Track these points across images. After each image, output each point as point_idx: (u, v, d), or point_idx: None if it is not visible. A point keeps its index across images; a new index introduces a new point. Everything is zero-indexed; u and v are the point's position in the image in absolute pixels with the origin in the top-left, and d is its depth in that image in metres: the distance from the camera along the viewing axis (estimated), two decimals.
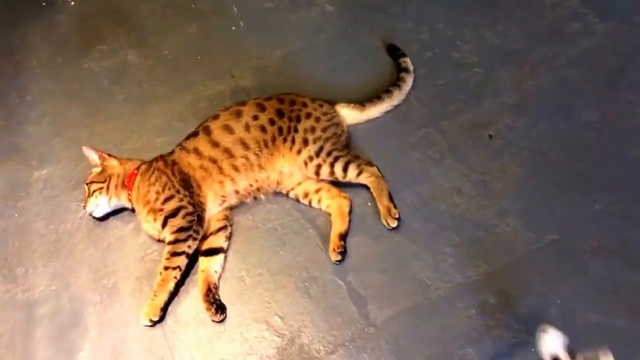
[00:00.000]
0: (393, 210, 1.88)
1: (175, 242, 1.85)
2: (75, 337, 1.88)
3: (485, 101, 2.11)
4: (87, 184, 2.04)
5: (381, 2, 2.44)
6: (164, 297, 1.83)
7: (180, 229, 1.86)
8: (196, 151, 1.97)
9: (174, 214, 1.87)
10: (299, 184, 1.98)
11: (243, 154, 1.94)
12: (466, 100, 2.12)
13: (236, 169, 1.94)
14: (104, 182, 2.01)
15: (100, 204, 2.02)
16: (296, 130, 1.96)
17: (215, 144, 1.96)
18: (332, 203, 1.93)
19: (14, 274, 2.04)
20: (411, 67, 2.15)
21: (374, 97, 2.08)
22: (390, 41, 2.29)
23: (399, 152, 2.04)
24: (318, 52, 2.35)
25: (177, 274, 1.85)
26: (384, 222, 1.88)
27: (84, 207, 2.03)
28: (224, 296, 1.87)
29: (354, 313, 1.77)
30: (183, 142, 2.02)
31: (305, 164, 1.93)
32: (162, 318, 1.85)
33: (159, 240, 1.97)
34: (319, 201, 1.95)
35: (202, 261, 1.91)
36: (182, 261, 1.85)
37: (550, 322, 1.62)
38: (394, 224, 1.87)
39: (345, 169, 1.91)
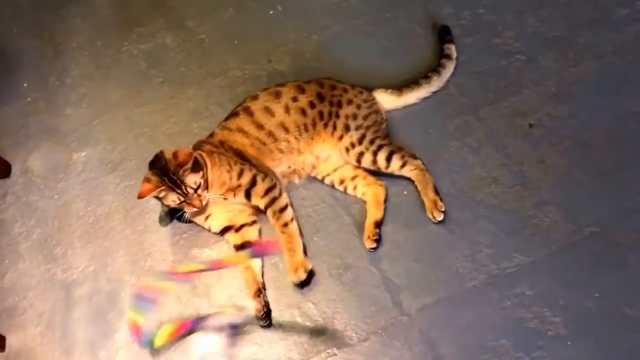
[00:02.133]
0: (439, 204, 1.85)
1: (272, 202, 1.86)
2: (112, 318, 1.93)
3: (526, 89, 2.05)
4: (198, 187, 1.85)
5: None
6: (300, 249, 1.84)
7: (268, 190, 1.86)
8: (241, 130, 1.95)
9: (252, 184, 1.86)
10: (335, 170, 1.96)
11: (285, 137, 1.94)
12: (506, 87, 2.06)
13: (281, 151, 1.94)
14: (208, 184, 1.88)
15: (213, 196, 1.90)
16: (337, 116, 1.95)
17: (260, 126, 1.95)
18: (367, 190, 1.92)
19: (53, 254, 2.09)
20: (454, 55, 2.09)
21: (411, 82, 2.05)
22: (429, 25, 2.24)
23: (437, 140, 2.00)
24: (355, 37, 2.31)
25: (296, 225, 1.87)
26: (430, 216, 1.85)
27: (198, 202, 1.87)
28: None
29: (387, 301, 1.77)
30: (223, 122, 2.02)
31: (347, 150, 1.92)
32: (310, 274, 1.84)
33: (223, 232, 1.95)
34: (355, 188, 1.94)
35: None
36: (290, 213, 1.87)
37: (588, 315, 1.64)
38: (440, 217, 1.84)
39: (388, 159, 1.89)
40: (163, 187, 1.76)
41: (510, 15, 2.21)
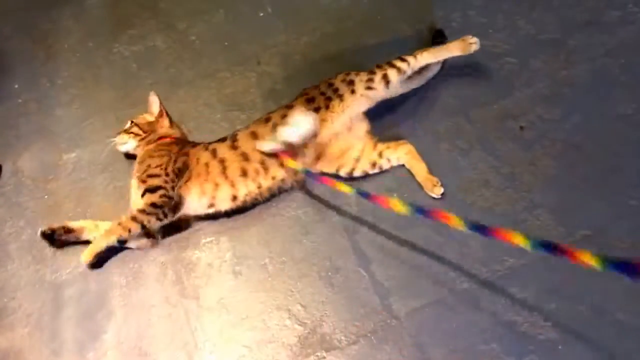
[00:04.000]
0: (434, 179, 1.90)
1: (142, 210, 1.88)
2: (100, 319, 1.91)
3: (518, 91, 2.04)
4: (131, 122, 2.13)
5: None
6: (102, 244, 1.89)
7: (153, 204, 1.88)
8: (213, 151, 1.98)
9: (153, 190, 1.90)
10: (358, 160, 1.94)
11: (260, 159, 1.91)
12: (498, 90, 2.06)
13: (244, 173, 1.91)
14: (145, 132, 2.10)
15: (127, 146, 2.12)
16: (332, 85, 1.98)
17: (234, 147, 1.95)
18: (399, 153, 1.94)
19: (43, 255, 2.07)
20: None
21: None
22: (421, 27, 2.25)
23: (427, 142, 1.99)
24: (346, 39, 2.31)
25: (124, 233, 1.87)
26: (430, 193, 1.89)
27: (114, 138, 2.12)
28: (247, 282, 1.88)
29: (376, 304, 1.76)
30: (210, 142, 2.05)
31: (369, 87, 1.93)
32: (95, 265, 1.95)
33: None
34: (389, 160, 1.95)
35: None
36: (134, 227, 1.86)
37: (579, 319, 1.62)
38: (441, 190, 1.88)
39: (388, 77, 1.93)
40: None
41: (501, 18, 2.21)
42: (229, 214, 1.98)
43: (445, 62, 2.09)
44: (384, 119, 2.05)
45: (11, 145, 2.36)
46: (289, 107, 1.98)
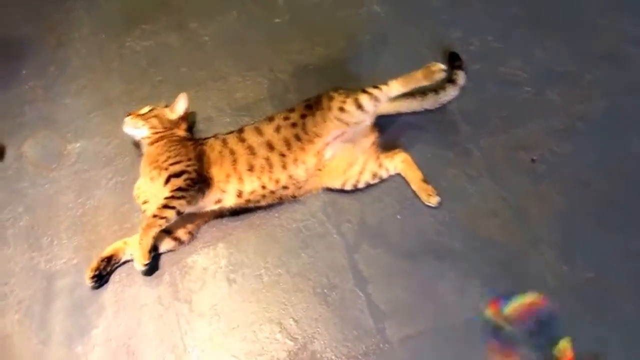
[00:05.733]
0: (430, 188, 1.91)
1: (170, 197, 1.84)
2: (91, 313, 1.90)
3: (531, 122, 2.01)
4: (151, 110, 2.10)
5: (431, 7, 2.35)
6: (148, 241, 1.84)
7: (179, 189, 1.85)
8: (223, 140, 1.99)
9: (177, 174, 1.88)
10: (361, 172, 1.94)
11: (265, 155, 1.91)
12: (511, 118, 2.03)
13: (251, 168, 1.91)
14: (162, 129, 2.07)
15: (138, 132, 2.07)
16: (321, 102, 1.95)
17: (241, 140, 1.95)
18: (396, 162, 1.95)
19: (39, 243, 2.06)
20: (461, 82, 2.06)
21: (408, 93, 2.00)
22: (437, 48, 2.21)
23: (435, 166, 1.96)
24: (361, 54, 2.28)
25: (163, 223, 1.83)
26: (427, 202, 1.90)
27: (128, 117, 2.08)
28: (240, 291, 1.86)
29: (370, 327, 1.74)
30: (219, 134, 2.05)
31: (342, 110, 1.88)
32: (153, 267, 1.90)
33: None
34: (387, 170, 1.96)
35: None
36: (169, 214, 1.83)
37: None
38: (437, 199, 1.89)
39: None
40: None
41: (518, 46, 2.18)
42: (230, 215, 1.97)
43: (462, 87, 2.07)
44: (391, 139, 2.03)
45: (16, 130, 2.34)
46: (291, 110, 1.99)
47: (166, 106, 2.13)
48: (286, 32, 2.40)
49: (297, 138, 1.92)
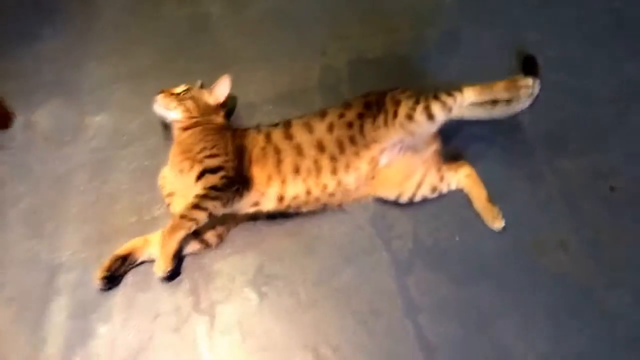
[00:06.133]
0: (495, 209, 1.73)
1: (203, 196, 1.65)
2: (95, 319, 1.68)
3: (613, 146, 1.82)
4: (187, 90, 1.89)
5: (510, 4, 2.14)
6: (173, 245, 1.64)
7: (214, 187, 1.66)
8: (267, 134, 1.78)
9: (213, 170, 1.69)
10: (419, 185, 1.75)
11: (314, 156, 1.71)
12: (591, 140, 1.84)
13: (296, 170, 1.70)
14: (197, 113, 1.86)
15: (170, 114, 1.86)
16: (384, 104, 1.74)
17: (289, 137, 1.75)
18: (459, 176, 1.79)
19: (41, 229, 1.84)
20: (535, 91, 1.84)
21: None
22: (513, 49, 2.01)
23: (502, 186, 1.77)
24: (427, 47, 2.07)
25: (192, 226, 1.64)
26: (490, 225, 1.72)
27: (160, 94, 1.86)
28: (272, 308, 1.65)
29: None
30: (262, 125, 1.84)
31: (409, 117, 1.67)
32: (175, 272, 1.70)
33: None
34: (449, 184, 1.79)
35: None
36: (200, 216, 1.63)
37: None
38: (502, 223, 1.71)
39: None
40: None
41: (605, 58, 1.99)
42: (267, 218, 1.77)
43: (536, 97, 1.85)
44: (454, 151, 1.85)
45: (29, 93, 2.13)
46: (347, 106, 1.78)
47: (202, 86, 1.93)
48: (346, 12, 2.21)
49: (352, 141, 1.71)
